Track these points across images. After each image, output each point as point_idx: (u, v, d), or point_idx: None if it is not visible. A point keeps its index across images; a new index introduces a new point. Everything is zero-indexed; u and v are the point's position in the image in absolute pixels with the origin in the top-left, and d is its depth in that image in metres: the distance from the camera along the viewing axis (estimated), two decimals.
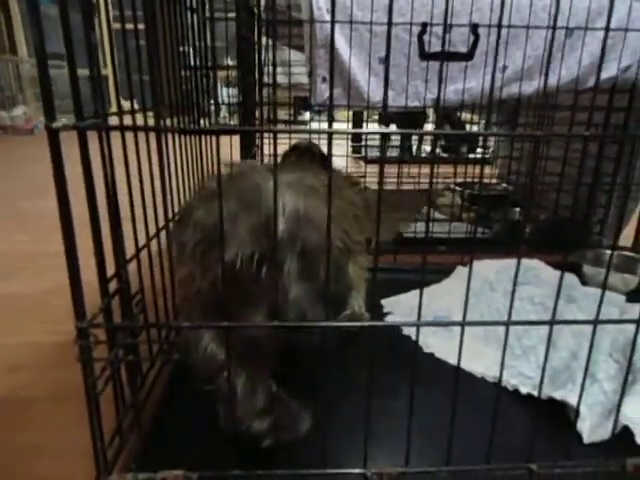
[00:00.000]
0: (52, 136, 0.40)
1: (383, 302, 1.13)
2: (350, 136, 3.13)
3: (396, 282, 1.19)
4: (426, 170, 1.76)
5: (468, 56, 1.15)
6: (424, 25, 1.14)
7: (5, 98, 4.99)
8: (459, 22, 1.19)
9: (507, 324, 0.55)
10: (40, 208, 1.90)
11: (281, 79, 1.82)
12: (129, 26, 0.58)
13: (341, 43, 1.25)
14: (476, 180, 1.97)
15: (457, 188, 1.96)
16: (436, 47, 1.22)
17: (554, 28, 1.10)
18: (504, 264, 1.29)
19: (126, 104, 0.60)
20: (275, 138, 0.42)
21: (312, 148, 2.02)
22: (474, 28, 1.13)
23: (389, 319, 1.07)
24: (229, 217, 0.58)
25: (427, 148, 3.56)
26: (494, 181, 2.17)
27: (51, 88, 0.41)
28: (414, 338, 0.98)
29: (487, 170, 2.33)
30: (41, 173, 2.77)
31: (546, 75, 1.19)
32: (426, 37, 1.17)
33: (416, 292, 1.19)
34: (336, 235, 0.89)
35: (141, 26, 0.67)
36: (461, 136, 3.77)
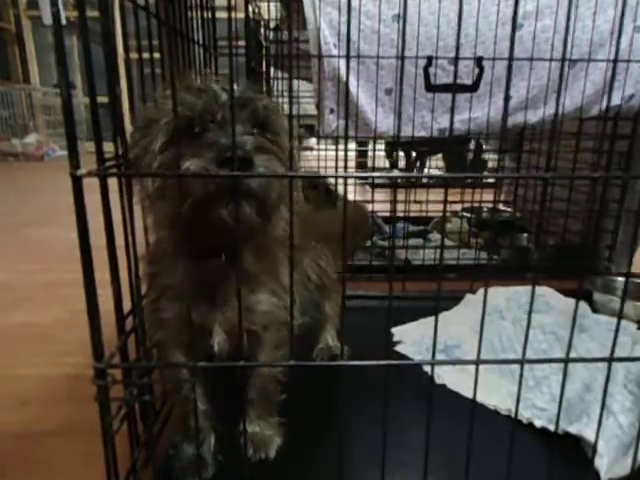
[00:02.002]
0: (76, 183, 0.41)
1: (393, 331, 1.13)
2: (355, 160, 3.18)
3: (405, 310, 1.18)
4: (434, 196, 1.78)
5: (473, 88, 1.17)
6: (430, 58, 1.16)
7: (18, 125, 5.10)
8: (463, 54, 1.22)
9: (522, 362, 0.55)
10: (46, 237, 1.93)
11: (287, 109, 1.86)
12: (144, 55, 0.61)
13: (349, 76, 1.28)
14: (483, 205, 1.99)
15: (464, 214, 1.97)
16: (441, 78, 1.25)
17: (563, 60, 1.12)
18: (513, 291, 1.29)
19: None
20: (291, 184, 0.43)
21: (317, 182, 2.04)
22: (479, 61, 1.16)
23: (399, 348, 1.06)
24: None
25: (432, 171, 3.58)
26: (501, 206, 2.18)
27: (76, 135, 0.42)
28: (425, 369, 0.99)
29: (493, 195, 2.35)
30: (48, 201, 2.81)
31: (557, 105, 1.20)
32: (431, 69, 1.20)
33: (426, 320, 1.19)
34: (314, 270, 0.91)
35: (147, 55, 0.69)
36: (466, 162, 3.81)
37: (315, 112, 1.81)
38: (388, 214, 1.93)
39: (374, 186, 2.27)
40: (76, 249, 0.43)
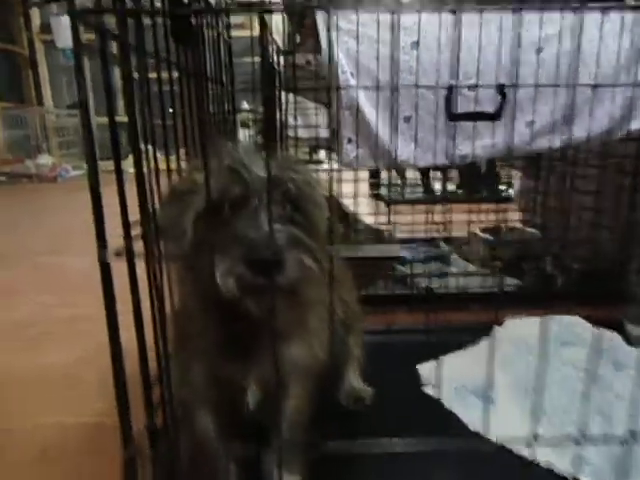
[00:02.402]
0: (104, 270, 0.39)
1: (419, 369, 1.09)
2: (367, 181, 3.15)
3: (430, 344, 1.15)
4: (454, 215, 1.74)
5: (496, 116, 1.14)
6: (450, 88, 1.14)
7: (31, 147, 5.16)
8: (483, 81, 1.19)
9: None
10: (62, 266, 1.92)
11: (302, 133, 1.85)
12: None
13: (366, 105, 1.25)
14: (500, 224, 1.95)
15: (482, 235, 1.93)
16: (462, 105, 1.22)
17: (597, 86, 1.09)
18: (541, 321, 1.24)
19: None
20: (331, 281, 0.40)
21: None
22: (501, 88, 1.13)
23: (428, 390, 1.02)
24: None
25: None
26: (519, 225, 2.14)
27: (104, 220, 0.40)
28: (457, 413, 0.95)
29: (509, 211, 2.30)
30: (61, 225, 2.82)
31: (569, 131, 1.17)
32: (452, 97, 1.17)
33: (453, 357, 1.15)
34: (338, 305, 0.87)
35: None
36: (479, 176, 3.76)
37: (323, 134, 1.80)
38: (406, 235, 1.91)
39: (389, 202, 2.23)
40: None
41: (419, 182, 3.23)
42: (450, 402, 0.96)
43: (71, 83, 5.69)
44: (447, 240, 1.92)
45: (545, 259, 1.71)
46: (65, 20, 4.64)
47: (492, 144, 1.25)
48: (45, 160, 4.99)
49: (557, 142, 1.28)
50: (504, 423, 0.88)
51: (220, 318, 0.54)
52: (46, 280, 1.86)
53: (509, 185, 3.59)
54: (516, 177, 2.52)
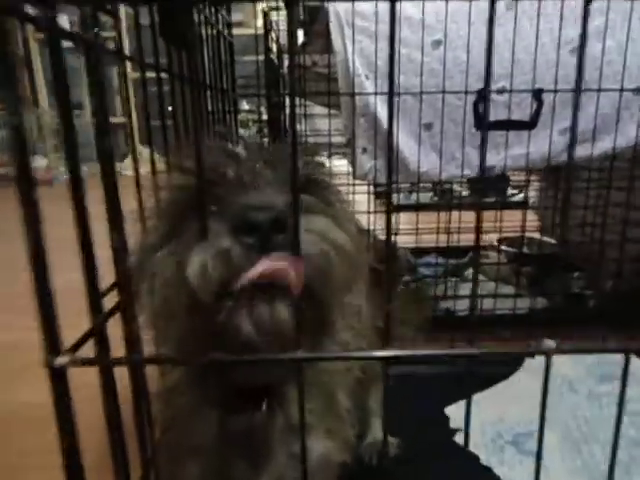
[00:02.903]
0: (55, 376, 0.27)
1: (448, 413, 0.96)
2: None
3: (456, 376, 1.03)
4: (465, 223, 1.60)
5: (531, 124, 1.01)
6: (480, 92, 1.01)
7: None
8: (515, 84, 1.06)
9: None
10: (54, 282, 1.78)
11: (310, 138, 1.73)
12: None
13: (383, 111, 1.13)
14: (521, 235, 1.81)
15: (502, 247, 1.79)
16: (491, 111, 1.09)
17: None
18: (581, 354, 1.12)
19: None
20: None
21: None
22: (538, 94, 1.00)
23: (459, 439, 0.89)
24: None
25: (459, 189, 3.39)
26: (539, 236, 2.00)
27: (54, 317, 0.27)
28: (496, 471, 0.83)
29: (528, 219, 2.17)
30: (53, 237, 2.67)
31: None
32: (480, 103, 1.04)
33: (483, 397, 1.02)
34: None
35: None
36: (489, 180, 3.63)
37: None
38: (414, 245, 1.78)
39: (397, 209, 2.09)
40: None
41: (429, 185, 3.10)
42: (488, 457, 0.84)
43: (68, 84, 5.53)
44: (461, 251, 1.78)
45: (571, 276, 1.58)
46: (60, 18, 4.49)
47: (524, 154, 1.12)
48: (40, 162, 4.85)
49: (596, 151, 1.15)
50: None
51: (219, 404, 0.41)
52: (30, 302, 1.72)
53: (520, 190, 3.46)
54: (533, 183, 2.39)
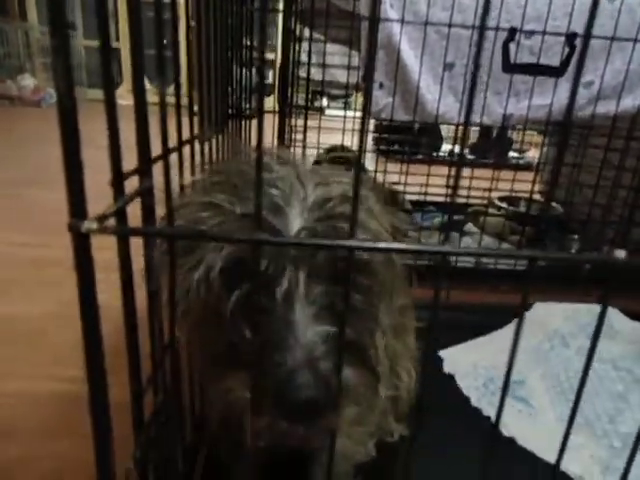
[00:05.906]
0: (79, 241, 0.24)
1: (442, 355, 0.97)
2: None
3: (452, 325, 1.03)
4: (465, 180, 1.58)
5: (561, 70, 0.96)
6: (512, 31, 0.95)
7: (13, 67, 4.77)
8: (546, 26, 1.01)
9: None
10: (44, 200, 1.73)
11: (315, 74, 1.65)
12: None
13: (404, 45, 1.06)
14: (520, 194, 1.79)
15: (500, 204, 1.78)
16: (517, 55, 1.04)
17: None
18: (573, 309, 1.13)
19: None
20: None
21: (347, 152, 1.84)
22: (571, 38, 0.95)
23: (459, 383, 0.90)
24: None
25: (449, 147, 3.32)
26: (539, 197, 1.99)
27: (82, 182, 0.24)
28: (486, 413, 0.84)
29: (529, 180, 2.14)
30: (47, 155, 2.58)
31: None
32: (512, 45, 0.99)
33: (477, 342, 1.03)
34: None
35: None
36: (490, 138, 3.57)
37: (343, 80, 1.59)
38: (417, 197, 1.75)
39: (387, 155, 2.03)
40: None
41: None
42: (478, 400, 0.85)
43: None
44: (463, 207, 1.77)
45: (571, 237, 1.58)
46: None
47: (546, 105, 1.08)
48: (28, 81, 4.62)
49: (617, 109, 1.11)
50: (542, 431, 0.78)
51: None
52: (23, 216, 1.68)
53: (522, 152, 3.42)
54: (537, 144, 2.34)
